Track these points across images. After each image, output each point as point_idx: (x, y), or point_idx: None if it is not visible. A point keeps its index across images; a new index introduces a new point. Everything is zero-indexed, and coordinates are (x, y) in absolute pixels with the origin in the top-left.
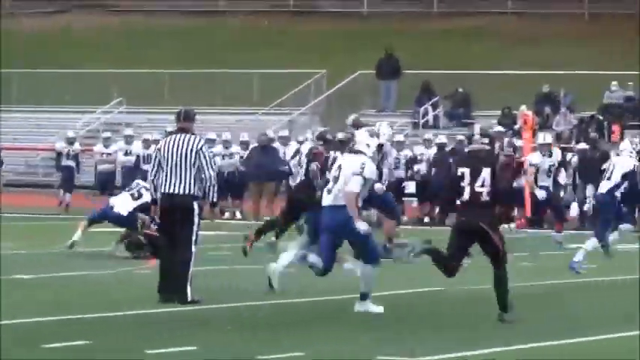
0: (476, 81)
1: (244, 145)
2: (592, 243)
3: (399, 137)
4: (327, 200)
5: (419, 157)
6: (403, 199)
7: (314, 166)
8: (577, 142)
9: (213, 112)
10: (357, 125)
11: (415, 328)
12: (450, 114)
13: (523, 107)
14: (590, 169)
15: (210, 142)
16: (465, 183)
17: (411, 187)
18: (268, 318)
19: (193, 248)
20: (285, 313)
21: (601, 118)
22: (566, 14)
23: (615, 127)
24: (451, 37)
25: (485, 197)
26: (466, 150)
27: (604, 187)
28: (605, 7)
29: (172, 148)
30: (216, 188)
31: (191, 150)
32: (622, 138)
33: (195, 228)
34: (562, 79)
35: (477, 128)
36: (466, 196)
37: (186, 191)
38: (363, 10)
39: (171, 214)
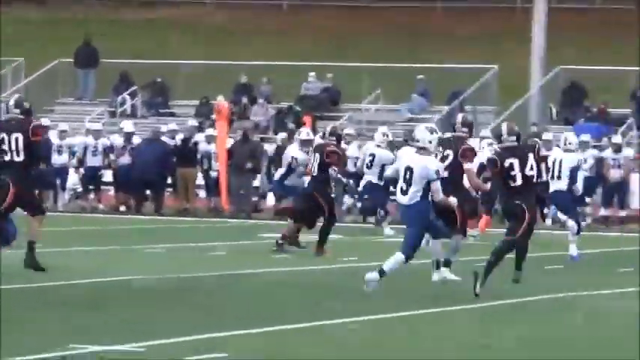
0: (174, 71)
1: None
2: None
3: (97, 126)
4: (403, 200)
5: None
6: (101, 187)
7: (333, 172)
8: (275, 133)
9: None
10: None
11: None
12: (147, 103)
13: (220, 97)
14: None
15: None
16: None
17: (108, 175)
18: None
19: None
20: None
21: (298, 108)
22: (266, 5)
23: (306, 118)
24: (150, 27)
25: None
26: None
27: (558, 185)
28: None
29: None
30: None
31: None
32: (314, 129)
33: None
34: (262, 70)
35: (504, 127)
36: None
37: None
38: None
39: None
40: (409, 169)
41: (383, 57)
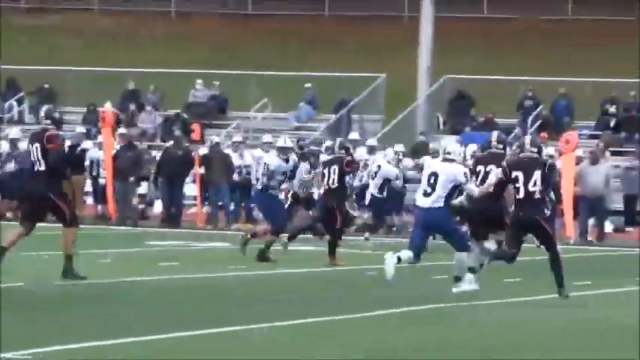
0: (62, 77)
1: None
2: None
3: None
4: (425, 202)
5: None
6: None
7: (350, 180)
8: (163, 140)
9: None
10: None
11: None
12: (35, 109)
13: (107, 104)
14: (173, 165)
15: None
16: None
17: None
18: None
19: None
20: None
21: (186, 116)
22: (154, 12)
23: (195, 126)
24: (38, 33)
25: (538, 195)
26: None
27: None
28: (190, 6)
29: None
30: None
31: None
32: (202, 137)
33: None
34: (150, 77)
35: (527, 139)
36: (521, 194)
37: None
38: None
39: None
40: (434, 174)
41: (271, 65)
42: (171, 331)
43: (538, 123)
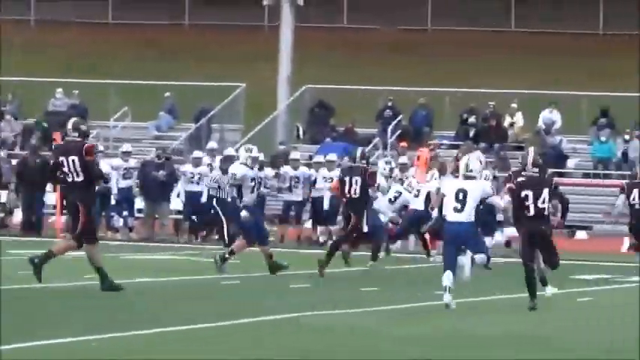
0: None
1: None
2: None
3: None
4: (457, 218)
5: None
6: None
7: (372, 193)
8: (22, 149)
9: None
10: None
11: None
12: None
13: None
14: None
15: None
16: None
17: None
18: None
19: None
20: None
21: (45, 125)
22: (13, 20)
23: (56, 135)
24: None
25: (545, 211)
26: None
27: None
28: (49, 14)
29: None
30: None
31: None
32: None
33: None
34: (9, 86)
35: (529, 159)
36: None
37: None
38: None
39: None
40: (462, 191)
41: (131, 74)
42: (31, 339)
43: (397, 133)
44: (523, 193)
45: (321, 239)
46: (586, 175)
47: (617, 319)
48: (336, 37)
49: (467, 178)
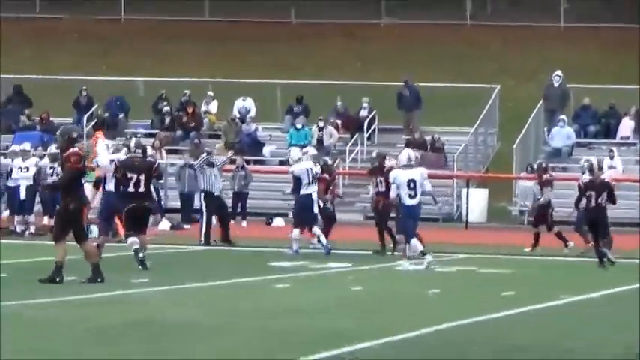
0: None
1: None
2: None
3: None
4: (412, 202)
5: None
6: None
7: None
8: None
9: None
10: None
11: None
12: None
13: None
14: None
15: None
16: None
17: None
18: None
19: None
20: None
21: None
22: None
23: None
24: None
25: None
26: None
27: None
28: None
29: None
30: None
31: None
32: None
33: None
34: None
35: (594, 164)
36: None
37: None
38: None
39: None
40: (412, 181)
41: None
42: None
43: (94, 122)
44: (587, 193)
45: (19, 229)
46: (282, 163)
47: None
48: (28, 27)
49: (404, 167)
